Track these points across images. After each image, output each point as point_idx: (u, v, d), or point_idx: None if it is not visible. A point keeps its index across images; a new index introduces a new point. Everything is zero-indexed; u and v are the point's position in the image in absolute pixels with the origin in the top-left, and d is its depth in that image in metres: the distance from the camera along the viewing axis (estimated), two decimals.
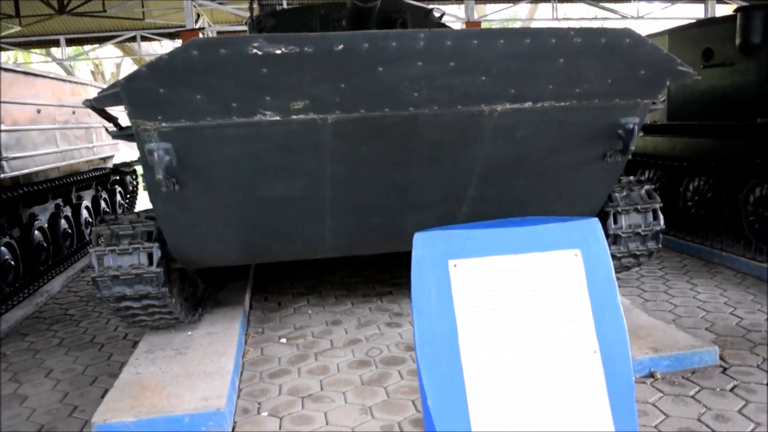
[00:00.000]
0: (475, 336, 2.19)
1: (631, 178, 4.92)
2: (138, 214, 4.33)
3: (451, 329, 2.18)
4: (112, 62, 27.59)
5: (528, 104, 3.28)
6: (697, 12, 17.69)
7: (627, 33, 3.03)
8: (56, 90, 8.04)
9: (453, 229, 2.32)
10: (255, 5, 6.06)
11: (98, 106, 3.07)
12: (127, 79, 2.81)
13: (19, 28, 15.45)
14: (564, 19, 16.62)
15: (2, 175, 6.13)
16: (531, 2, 16.26)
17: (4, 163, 6.22)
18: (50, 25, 15.99)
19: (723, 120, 6.90)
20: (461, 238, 2.27)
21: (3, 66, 6.69)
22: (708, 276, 5.97)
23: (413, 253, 2.23)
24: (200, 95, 2.90)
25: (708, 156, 6.90)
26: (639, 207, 4.64)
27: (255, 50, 2.70)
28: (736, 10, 6.90)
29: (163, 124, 3.04)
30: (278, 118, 3.06)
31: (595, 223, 2.39)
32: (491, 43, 2.88)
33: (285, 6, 13.74)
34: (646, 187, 4.77)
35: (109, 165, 10.92)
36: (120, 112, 3.40)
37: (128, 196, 11.92)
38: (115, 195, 11.14)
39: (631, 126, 3.57)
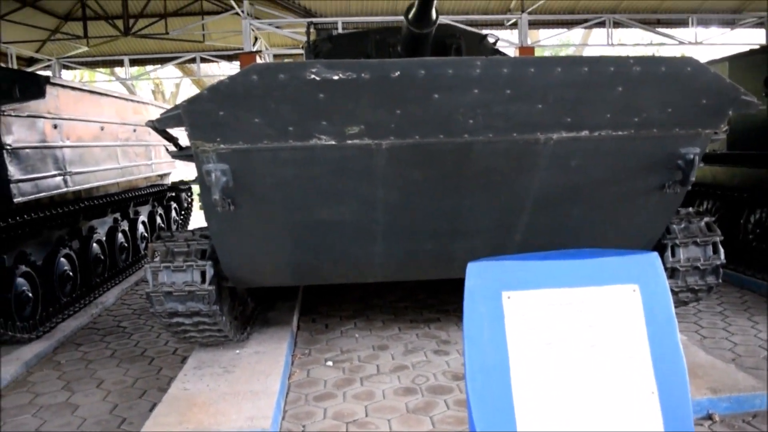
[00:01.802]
0: (528, 370, 2.14)
1: (690, 209, 4.78)
2: (193, 231, 4.42)
3: (503, 362, 2.14)
4: (172, 82, 28.44)
5: (584, 133, 3.23)
6: (757, 37, 17.23)
7: (688, 62, 2.97)
8: (119, 108, 8.31)
9: (507, 260, 2.28)
10: (311, 30, 6.13)
11: (160, 127, 3.16)
12: (188, 102, 2.88)
13: (86, 49, 16.11)
14: (619, 44, 16.38)
15: (65, 189, 6.35)
16: (585, 28, 16.12)
17: (67, 177, 6.44)
18: (115, 46, 16.61)
19: None
20: (515, 269, 2.24)
21: (71, 84, 6.97)
22: None
23: (466, 283, 2.20)
24: (258, 118, 2.95)
25: None
26: (698, 240, 4.50)
27: (313, 76, 2.74)
28: None
29: (222, 146, 3.10)
30: (333, 142, 3.09)
31: (654, 257, 2.32)
32: (548, 71, 2.86)
33: (340, 31, 13.98)
34: (706, 219, 4.63)
35: (166, 181, 11.21)
36: (180, 132, 3.49)
37: (183, 212, 12.18)
38: (171, 211, 11.39)
39: (692, 156, 3.47)
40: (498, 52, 6.07)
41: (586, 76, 2.90)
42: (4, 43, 14.90)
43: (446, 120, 3.04)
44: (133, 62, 17.97)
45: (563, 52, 24.16)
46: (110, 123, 7.82)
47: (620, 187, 3.71)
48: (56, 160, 6.21)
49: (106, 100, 7.83)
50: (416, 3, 4.23)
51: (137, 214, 9.25)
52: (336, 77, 2.75)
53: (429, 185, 3.46)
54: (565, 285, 2.25)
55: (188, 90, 26.83)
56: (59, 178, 6.25)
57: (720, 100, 3.19)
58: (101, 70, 19.25)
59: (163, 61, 17.71)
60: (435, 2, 4.19)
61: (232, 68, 18.73)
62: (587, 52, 24.63)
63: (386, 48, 5.42)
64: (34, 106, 5.82)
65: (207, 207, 3.54)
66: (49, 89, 6.07)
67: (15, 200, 5.30)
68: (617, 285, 2.28)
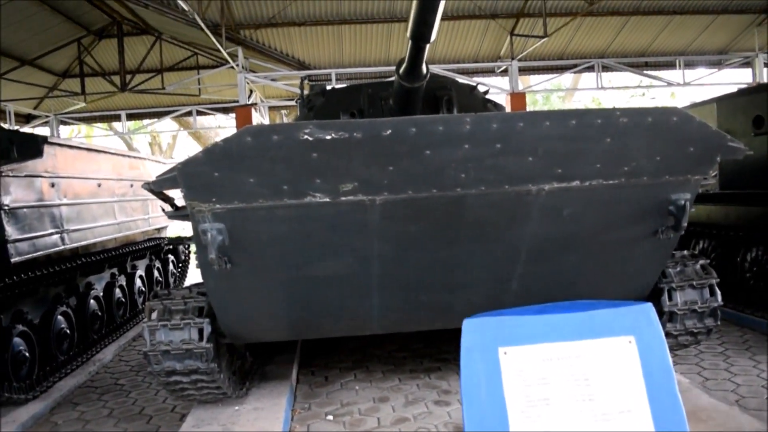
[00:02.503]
0: (527, 426, 2.14)
1: (685, 252, 4.81)
2: (190, 288, 4.42)
3: (501, 419, 2.13)
4: (169, 134, 28.73)
5: (576, 183, 3.27)
6: (744, 76, 17.55)
7: (673, 111, 3.03)
8: (116, 164, 8.39)
9: (503, 315, 2.30)
10: (305, 84, 6.24)
11: (156, 189, 3.20)
12: (183, 164, 2.92)
13: (83, 105, 16.34)
14: (609, 87, 16.66)
15: (62, 247, 6.37)
16: (575, 73, 16.42)
17: (65, 235, 6.47)
18: (112, 101, 16.88)
19: None
20: (511, 325, 2.25)
21: (68, 143, 7.05)
22: None
23: (462, 340, 2.22)
24: (253, 178, 2.99)
25: (763, 225, 6.71)
26: (695, 283, 4.51)
27: (306, 136, 2.79)
28: None
29: (217, 206, 3.13)
30: (328, 199, 3.13)
31: (649, 308, 2.34)
32: (537, 125, 2.92)
33: (334, 81, 14.23)
34: (701, 261, 4.65)
35: (164, 235, 11.24)
36: (174, 191, 3.52)
37: (180, 265, 12.17)
38: (168, 264, 11.38)
39: (683, 202, 3.51)
40: (489, 101, 6.17)
41: (574, 128, 2.96)
42: (3, 101, 15.11)
43: (438, 175, 3.09)
44: (130, 116, 18.21)
45: (554, 97, 24.53)
46: (107, 179, 7.90)
47: (613, 234, 3.73)
48: (53, 218, 6.24)
49: (102, 157, 7.92)
50: (407, 58, 4.33)
51: (135, 268, 9.23)
52: (329, 137, 2.80)
53: (424, 238, 3.48)
54: (562, 339, 2.26)
55: (185, 142, 27.10)
56: (56, 236, 6.28)
57: (707, 148, 3.25)
58: (98, 124, 19.48)
59: (159, 114, 17.95)
60: (425, 57, 4.28)
61: (228, 119, 19.00)
62: (577, 95, 25.03)
63: (378, 102, 5.51)
64: (32, 165, 5.88)
65: (203, 265, 3.56)
66: (46, 148, 6.15)
67: (12, 260, 5.32)
68: (613, 337, 2.29)
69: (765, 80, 16.53)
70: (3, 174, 5.32)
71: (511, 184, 3.22)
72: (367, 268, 3.63)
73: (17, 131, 6.43)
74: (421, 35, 3.86)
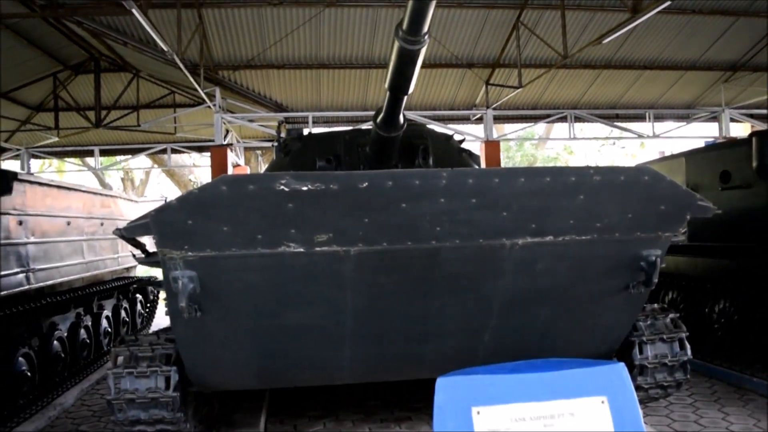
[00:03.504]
0: None
1: (656, 305, 4.86)
2: (158, 334, 4.33)
3: None
4: (142, 170, 28.52)
5: (549, 238, 3.31)
6: (711, 130, 18.06)
7: (645, 171, 3.10)
8: (87, 202, 8.27)
9: (476, 374, 2.28)
10: (282, 127, 6.27)
11: (128, 235, 3.15)
12: (157, 211, 2.89)
13: (56, 139, 16.17)
14: (581, 138, 17.02)
15: (27, 287, 6.21)
16: (548, 123, 16.76)
17: (30, 274, 6.33)
18: (86, 136, 16.71)
19: (743, 242, 6.87)
20: (484, 384, 2.24)
21: (39, 180, 6.94)
22: (740, 404, 5.74)
23: (435, 399, 2.19)
24: (227, 227, 2.97)
25: (730, 278, 6.82)
26: (665, 336, 4.55)
27: (282, 187, 2.78)
28: (751, 135, 7.03)
29: (189, 254, 3.09)
30: (302, 249, 3.11)
31: (621, 368, 2.34)
32: (512, 181, 2.95)
33: (311, 124, 14.33)
34: (671, 315, 4.70)
35: (133, 274, 11.06)
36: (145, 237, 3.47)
37: (148, 305, 11.95)
38: (136, 304, 11.17)
39: (653, 258, 3.57)
40: (465, 151, 6.24)
41: (548, 185, 3.00)
42: None
43: (414, 227, 3.10)
44: (104, 152, 18.06)
45: (527, 144, 25.02)
46: (77, 217, 7.78)
47: (586, 288, 3.76)
48: (19, 257, 6.11)
49: (73, 195, 7.81)
50: (384, 108, 4.38)
51: (101, 308, 9.03)
52: (305, 188, 2.80)
53: (397, 289, 3.47)
54: (535, 399, 2.25)
55: (158, 178, 26.88)
56: (21, 275, 6.13)
57: (677, 206, 3.31)
58: (71, 159, 19.28)
59: (133, 151, 17.85)
60: (403, 108, 4.33)
61: (202, 158, 18.96)
62: (550, 143, 25.53)
63: (355, 149, 5.54)
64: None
65: (173, 312, 3.49)
66: (16, 185, 6.06)
67: None
68: (586, 397, 2.29)
69: (731, 135, 17.04)
70: None
71: (485, 237, 3.24)
72: (339, 318, 3.59)
73: None
74: (399, 87, 3.92)
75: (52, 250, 6.94)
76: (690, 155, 8.34)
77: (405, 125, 4.65)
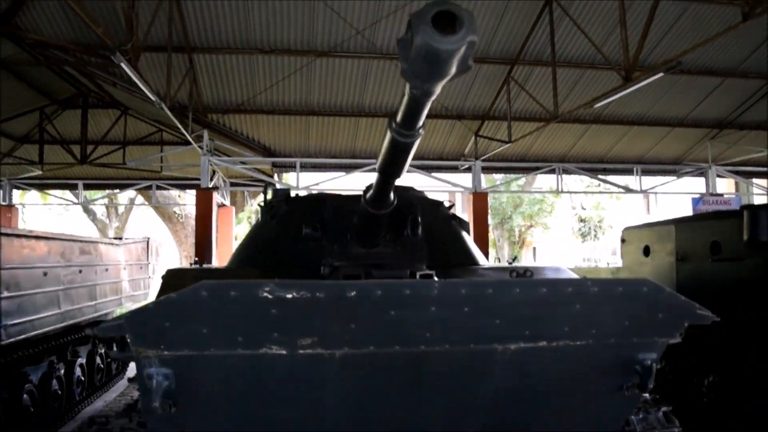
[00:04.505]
0: None
1: (648, 396, 4.73)
2: (130, 416, 4.12)
3: None
4: (127, 197, 28.22)
5: (542, 343, 3.18)
6: (697, 185, 18.20)
7: (644, 282, 3.01)
8: (66, 250, 8.07)
9: None
10: (269, 191, 6.14)
11: (102, 335, 2.98)
12: (132, 314, 2.74)
13: (39, 172, 15.94)
14: (568, 192, 17.07)
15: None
16: (536, 174, 16.79)
17: (2, 330, 6.10)
18: (71, 170, 16.49)
19: (733, 314, 6.79)
20: None
21: (16, 232, 6.75)
22: None
23: None
24: (206, 330, 2.82)
25: (719, 352, 6.73)
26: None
27: (266, 294, 2.65)
28: (742, 207, 7.01)
29: (165, 352, 2.93)
30: (284, 352, 2.96)
31: None
32: (506, 292, 2.84)
33: (298, 169, 14.26)
34: (664, 408, 4.57)
35: (110, 317, 10.81)
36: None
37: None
38: (113, 347, 10.88)
39: (649, 362, 3.45)
40: (454, 218, 6.14)
41: (544, 296, 2.89)
42: None
43: (402, 333, 2.96)
44: (88, 186, 17.84)
45: (513, 186, 25.04)
46: (54, 267, 7.57)
47: (578, 390, 3.63)
48: None
49: (51, 244, 7.61)
50: (374, 188, 4.27)
51: (76, 355, 8.80)
52: (290, 296, 2.66)
53: (383, 391, 3.32)
54: None
55: (141, 208, 26.52)
56: None
57: (676, 315, 3.22)
58: (53, 192, 19.04)
59: (119, 186, 17.67)
60: (392, 190, 4.22)
61: (188, 195, 18.82)
62: (537, 183, 25.60)
63: (343, 217, 5.40)
64: None
65: (145, 408, 3.30)
66: None
67: None
68: None
69: (717, 190, 17.19)
70: None
71: (476, 342, 3.11)
72: (320, 419, 3.42)
73: None
74: (390, 173, 3.81)
75: (27, 303, 6.72)
76: (680, 223, 8.28)
77: (394, 203, 4.53)
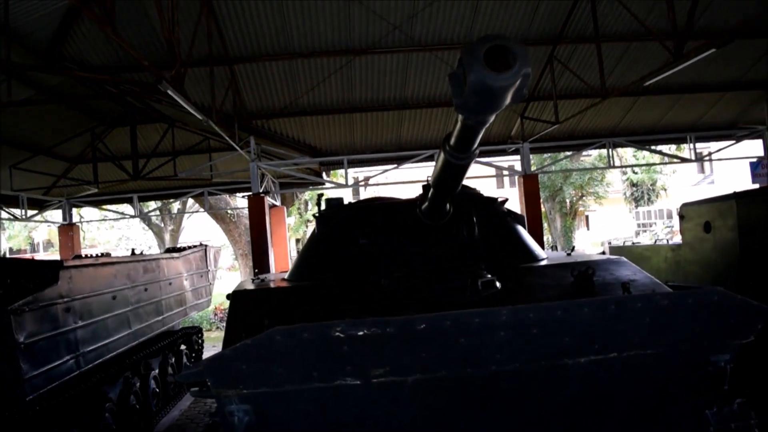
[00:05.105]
0: None
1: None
2: None
3: None
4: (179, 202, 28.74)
5: (613, 354, 3.17)
6: (755, 148, 17.53)
7: (714, 291, 2.96)
8: (131, 271, 8.33)
9: None
10: (322, 201, 6.20)
11: (181, 381, 3.11)
12: (210, 361, 2.84)
13: (96, 190, 16.44)
14: (619, 167, 16.64)
15: (77, 372, 6.23)
16: (586, 151, 16.46)
17: (80, 358, 6.35)
18: (125, 185, 16.93)
19: None
20: None
21: (83, 263, 6.99)
22: None
23: None
24: (282, 369, 2.91)
25: None
26: (732, 425, 4.33)
27: (338, 333, 2.71)
28: None
29: (244, 391, 3.04)
30: (358, 382, 3.03)
31: None
32: (575, 312, 2.84)
33: (346, 167, 14.33)
34: (738, 400, 4.47)
35: (177, 328, 11.15)
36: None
37: (194, 355, 12.02)
38: (182, 357, 11.25)
39: (722, 364, 3.40)
40: (509, 214, 6.09)
41: (612, 313, 2.88)
42: (16, 190, 15.23)
43: (473, 357, 2.99)
44: (142, 198, 18.32)
45: (564, 172, 24.59)
46: (121, 289, 7.82)
47: (652, 396, 3.59)
48: (68, 343, 6.14)
49: (117, 267, 7.86)
50: (428, 200, 4.28)
51: (149, 369, 9.09)
52: (361, 333, 2.72)
53: (456, 412, 3.35)
54: None
55: (193, 208, 26.93)
56: (72, 361, 6.16)
57: (748, 319, 3.16)
58: (109, 207, 19.61)
59: (172, 196, 18.09)
60: (448, 201, 4.23)
61: (241, 200, 19.13)
62: (587, 169, 25.06)
63: (399, 223, 5.40)
64: (48, 293, 5.82)
65: None
66: (61, 273, 6.11)
67: (27, 398, 5.20)
68: None
69: None
70: (17, 310, 5.23)
71: (547, 359, 3.12)
72: None
73: (32, 260, 6.40)
74: (445, 191, 3.82)
75: (100, 328, 6.97)
76: (741, 198, 8.03)
77: (450, 212, 4.54)
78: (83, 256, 13.17)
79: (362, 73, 12.54)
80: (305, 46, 11.49)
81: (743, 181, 15.44)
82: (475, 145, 3.23)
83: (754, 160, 15.82)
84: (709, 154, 17.50)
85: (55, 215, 18.97)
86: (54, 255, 33.51)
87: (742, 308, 3.03)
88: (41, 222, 20.00)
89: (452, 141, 3.23)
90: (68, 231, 17.75)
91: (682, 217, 9.16)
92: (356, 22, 11.01)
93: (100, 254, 12.23)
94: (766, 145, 16.43)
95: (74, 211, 18.74)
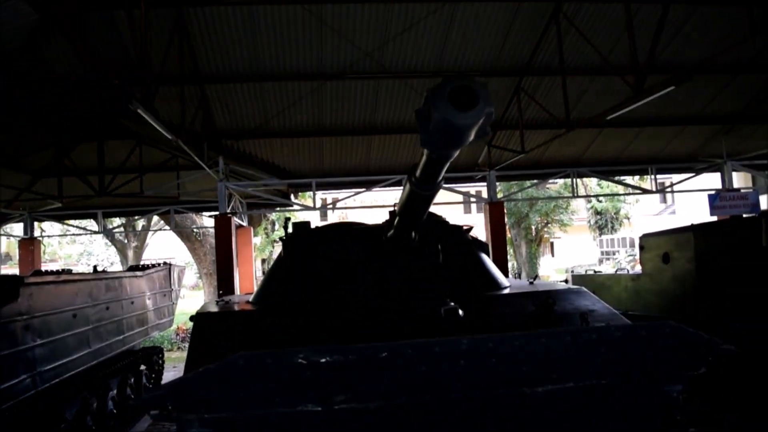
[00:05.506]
0: None
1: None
2: None
3: None
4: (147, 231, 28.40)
5: (570, 384, 3.26)
6: (714, 181, 18.02)
7: (667, 325, 3.07)
8: (92, 289, 8.22)
9: None
10: (289, 225, 6.22)
11: (144, 406, 3.10)
12: (173, 387, 2.85)
13: (59, 205, 16.16)
14: (583, 196, 17.01)
15: (33, 391, 6.11)
16: (551, 180, 16.78)
17: (37, 377, 6.24)
18: (90, 200, 16.68)
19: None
20: None
21: (45, 280, 6.89)
22: None
23: None
24: (244, 393, 2.92)
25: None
26: None
27: (301, 360, 2.75)
28: (761, 215, 7.04)
29: (206, 415, 3.04)
30: (320, 408, 3.06)
31: None
32: (533, 343, 2.93)
33: (314, 189, 14.37)
34: (691, 430, 4.61)
35: (137, 348, 10.97)
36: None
37: (153, 376, 11.83)
38: (142, 378, 11.06)
39: (675, 393, 3.50)
40: (474, 242, 6.19)
41: (569, 343, 2.97)
42: None
43: (434, 384, 3.05)
44: (107, 214, 18.08)
45: (530, 200, 25.04)
46: (82, 307, 7.71)
47: (609, 426, 3.69)
48: (26, 361, 6.03)
49: (79, 285, 7.76)
50: (394, 228, 4.35)
51: (108, 389, 8.92)
52: (323, 360, 2.76)
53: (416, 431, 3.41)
54: None
55: (157, 225, 26.62)
56: (28, 380, 6.05)
57: (700, 352, 3.27)
58: (72, 222, 19.31)
59: (137, 213, 17.90)
60: (414, 229, 4.30)
61: (207, 219, 19.00)
62: (552, 199, 25.48)
63: (364, 249, 5.46)
64: (6, 310, 5.73)
65: None
66: (22, 289, 6.02)
67: None
68: None
69: (733, 185, 17.04)
70: None
71: (506, 388, 3.19)
72: None
73: None
74: (410, 222, 3.89)
75: (58, 347, 6.86)
76: (698, 230, 8.26)
77: (417, 240, 4.61)
78: (43, 271, 12.98)
79: (333, 97, 12.66)
80: (276, 69, 11.57)
81: (703, 212, 15.87)
82: (440, 178, 3.32)
83: (713, 192, 16.28)
84: (671, 185, 17.95)
85: (16, 229, 18.63)
86: (12, 269, 32.76)
87: (693, 340, 3.15)
88: (1, 235, 19.57)
89: (418, 173, 3.32)
90: (29, 245, 17.42)
91: (642, 247, 9.39)
92: (328, 47, 11.14)
93: (61, 270, 12.09)
94: (724, 179, 16.92)
95: (35, 224, 18.43)
